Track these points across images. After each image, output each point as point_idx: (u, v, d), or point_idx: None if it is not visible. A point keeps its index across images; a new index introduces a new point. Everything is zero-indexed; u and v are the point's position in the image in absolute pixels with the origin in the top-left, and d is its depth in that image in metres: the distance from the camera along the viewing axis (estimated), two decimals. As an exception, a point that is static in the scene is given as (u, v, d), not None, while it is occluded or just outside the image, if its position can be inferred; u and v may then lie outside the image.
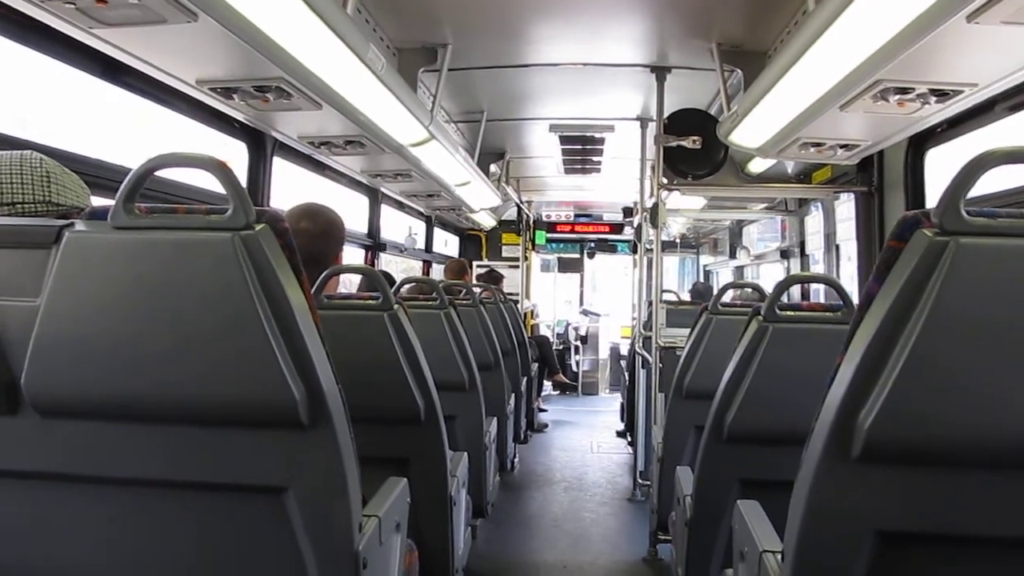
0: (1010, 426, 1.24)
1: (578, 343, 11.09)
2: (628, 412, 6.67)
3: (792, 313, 2.34)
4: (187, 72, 2.57)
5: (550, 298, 12.08)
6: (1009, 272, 1.20)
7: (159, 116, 3.02)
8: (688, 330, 3.48)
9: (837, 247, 5.13)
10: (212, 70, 2.57)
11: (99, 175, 2.50)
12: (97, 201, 1.69)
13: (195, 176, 3.04)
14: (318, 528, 1.50)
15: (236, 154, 3.64)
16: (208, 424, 1.46)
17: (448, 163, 4.61)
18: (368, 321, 2.39)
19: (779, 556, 1.57)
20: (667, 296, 6.98)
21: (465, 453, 3.08)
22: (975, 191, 1.22)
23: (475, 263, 10.02)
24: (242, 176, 3.67)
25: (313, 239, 2.41)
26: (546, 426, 8.06)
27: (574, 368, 11.02)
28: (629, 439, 6.49)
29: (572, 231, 11.35)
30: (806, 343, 2.26)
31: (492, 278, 8.27)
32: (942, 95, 2.59)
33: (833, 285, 2.59)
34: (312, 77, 2.66)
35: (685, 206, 6.84)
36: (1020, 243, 1.20)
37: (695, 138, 4.20)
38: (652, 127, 4.55)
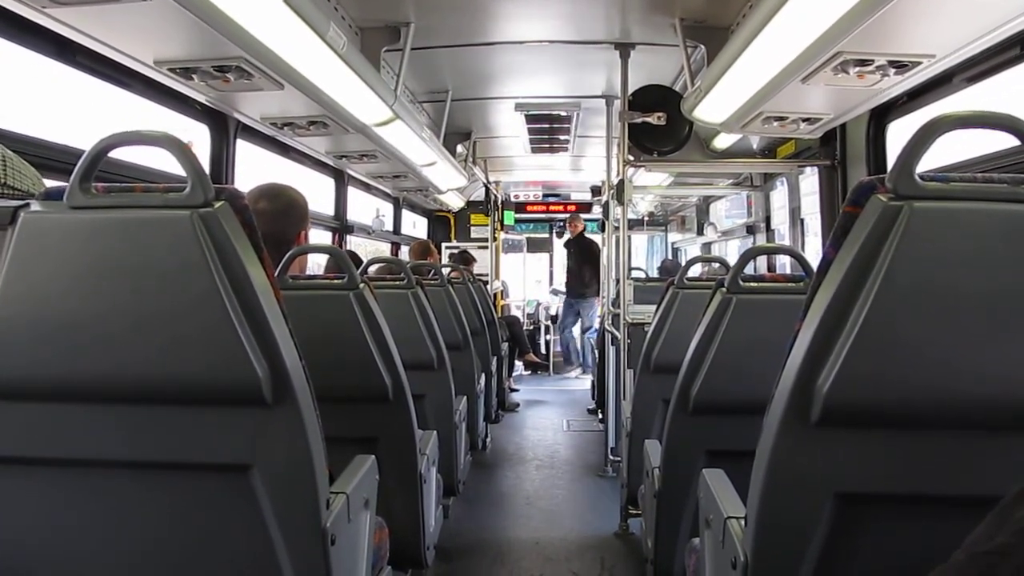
0: (963, 387, 1.27)
1: (548, 323, 11.10)
2: (598, 389, 6.71)
3: (755, 284, 2.37)
4: (144, 52, 2.53)
5: (520, 278, 12.07)
6: (961, 235, 1.22)
7: (120, 101, 2.99)
8: (655, 306, 3.50)
9: (802, 221, 5.18)
10: (170, 50, 2.54)
11: (55, 158, 2.47)
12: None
13: (155, 158, 3.00)
14: (285, 505, 1.50)
15: (201, 140, 3.61)
16: (172, 403, 1.45)
17: (413, 143, 4.59)
18: (333, 301, 2.38)
19: (743, 521, 1.59)
20: (635, 273, 7.02)
21: (435, 432, 3.08)
22: (937, 161, 1.24)
23: (444, 244, 10.00)
24: (205, 160, 3.63)
25: (272, 219, 2.36)
26: (518, 405, 8.07)
27: (543, 349, 11.04)
28: (600, 416, 6.53)
29: (541, 211, 11.33)
30: (769, 313, 2.28)
31: (463, 259, 8.25)
32: (901, 67, 2.61)
33: (795, 255, 2.62)
34: (272, 56, 2.63)
35: (652, 183, 6.87)
36: (972, 206, 1.23)
37: (660, 114, 4.20)
38: (617, 104, 4.55)
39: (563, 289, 11.05)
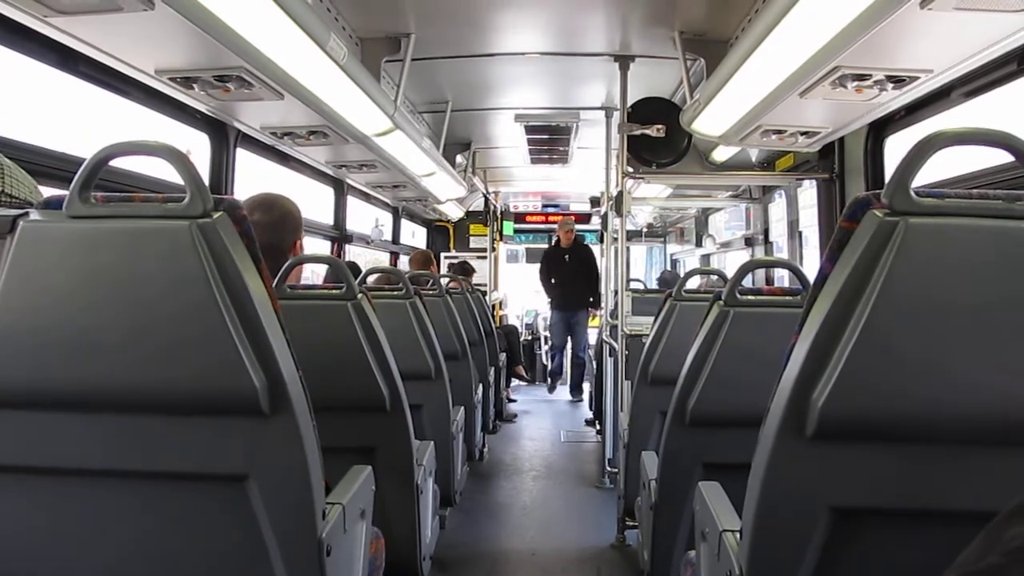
0: (957, 402, 1.27)
1: (546, 333, 11.07)
2: (596, 400, 6.70)
3: (753, 297, 2.37)
4: (145, 61, 2.54)
5: (519, 289, 12.06)
6: (956, 250, 1.23)
7: (121, 110, 2.99)
8: (653, 318, 3.50)
9: (800, 233, 5.19)
10: (171, 59, 2.54)
11: (54, 166, 2.48)
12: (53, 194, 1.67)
13: (154, 167, 3.01)
14: (281, 515, 1.50)
15: (200, 149, 3.62)
16: (169, 413, 1.45)
17: (413, 153, 4.61)
18: (331, 311, 2.38)
19: (738, 535, 1.59)
20: (634, 285, 7.03)
21: (432, 442, 3.08)
22: (933, 176, 1.24)
23: (443, 254, 10.01)
24: (205, 169, 3.64)
25: (269, 230, 2.36)
26: (515, 416, 8.06)
27: (543, 359, 11.00)
28: (598, 427, 6.52)
29: (540, 221, 11.32)
30: (766, 327, 2.29)
31: (463, 270, 8.24)
32: (898, 81, 2.63)
33: (792, 269, 2.62)
34: (273, 66, 2.64)
35: (651, 195, 6.88)
36: (967, 223, 1.23)
37: (659, 127, 4.22)
38: (617, 116, 4.57)
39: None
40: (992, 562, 0.68)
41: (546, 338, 10.96)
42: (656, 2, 3.50)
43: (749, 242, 6.51)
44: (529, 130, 6.18)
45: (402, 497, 2.65)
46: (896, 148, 3.65)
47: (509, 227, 10.82)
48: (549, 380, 9.69)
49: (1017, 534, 0.67)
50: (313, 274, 5.38)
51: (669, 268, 10.96)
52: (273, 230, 2.40)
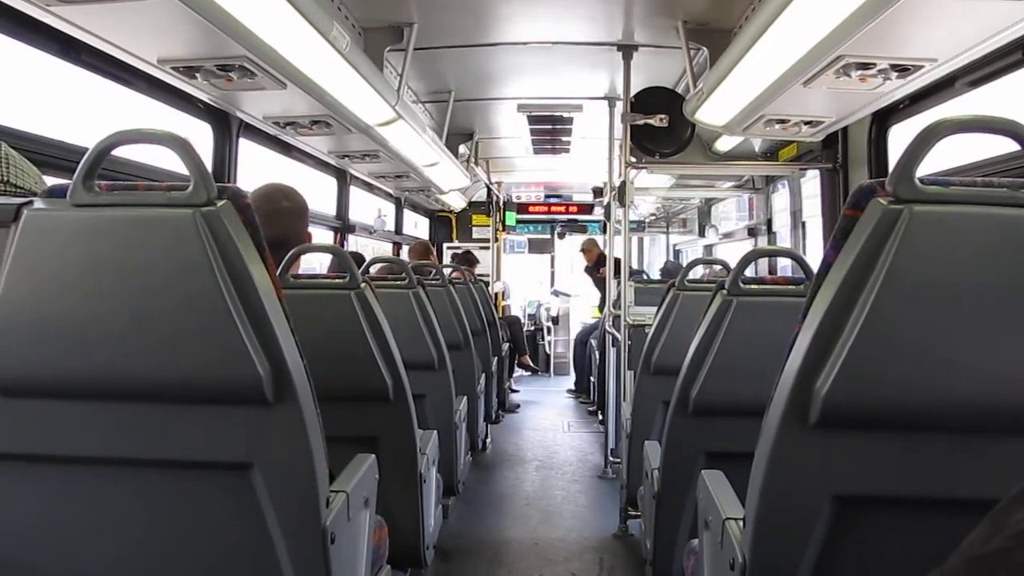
0: (961, 390, 1.27)
1: (549, 324, 11.08)
2: (599, 391, 6.71)
3: (756, 286, 2.37)
4: (148, 51, 2.54)
5: (522, 279, 12.04)
6: (960, 238, 1.22)
7: (124, 100, 2.99)
8: (656, 308, 3.50)
9: (803, 223, 5.18)
10: (174, 48, 2.54)
11: (58, 155, 2.48)
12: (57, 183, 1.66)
13: (158, 156, 3.01)
14: (285, 504, 1.50)
15: (203, 139, 3.62)
16: (173, 401, 1.45)
17: (416, 143, 4.59)
18: (335, 300, 2.38)
19: (741, 523, 1.60)
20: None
21: (435, 432, 3.08)
22: (938, 167, 1.24)
23: (445, 245, 10.01)
24: (208, 159, 3.63)
25: (293, 219, 2.43)
26: (518, 406, 8.07)
27: (547, 349, 11.01)
28: (600, 417, 6.53)
29: (542, 212, 11.29)
30: (769, 316, 2.29)
31: (467, 260, 8.24)
32: (903, 70, 2.61)
33: (795, 257, 2.62)
34: (275, 56, 2.64)
35: (654, 185, 6.87)
36: (971, 211, 1.23)
37: (662, 116, 4.20)
38: (620, 106, 4.56)
39: (564, 290, 10.94)
40: (999, 545, 0.68)
41: (548, 328, 10.97)
42: (660, -9, 3.49)
43: (752, 232, 6.50)
44: (532, 120, 6.19)
45: (405, 486, 2.65)
46: (900, 138, 3.64)
47: (512, 217, 10.79)
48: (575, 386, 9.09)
49: (1023, 518, 0.68)
50: (320, 265, 5.38)
51: (672, 258, 10.94)
52: (295, 219, 2.45)
